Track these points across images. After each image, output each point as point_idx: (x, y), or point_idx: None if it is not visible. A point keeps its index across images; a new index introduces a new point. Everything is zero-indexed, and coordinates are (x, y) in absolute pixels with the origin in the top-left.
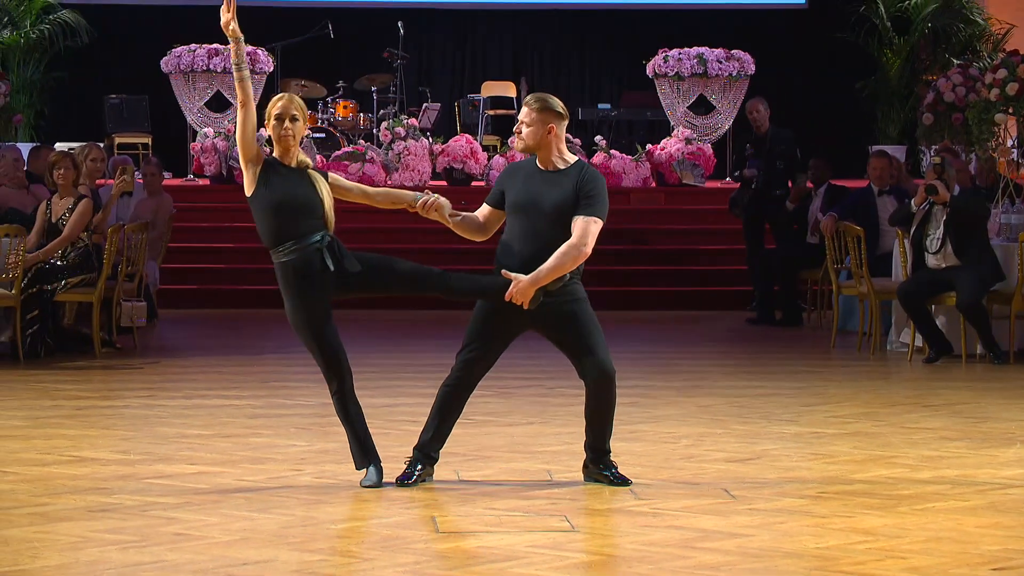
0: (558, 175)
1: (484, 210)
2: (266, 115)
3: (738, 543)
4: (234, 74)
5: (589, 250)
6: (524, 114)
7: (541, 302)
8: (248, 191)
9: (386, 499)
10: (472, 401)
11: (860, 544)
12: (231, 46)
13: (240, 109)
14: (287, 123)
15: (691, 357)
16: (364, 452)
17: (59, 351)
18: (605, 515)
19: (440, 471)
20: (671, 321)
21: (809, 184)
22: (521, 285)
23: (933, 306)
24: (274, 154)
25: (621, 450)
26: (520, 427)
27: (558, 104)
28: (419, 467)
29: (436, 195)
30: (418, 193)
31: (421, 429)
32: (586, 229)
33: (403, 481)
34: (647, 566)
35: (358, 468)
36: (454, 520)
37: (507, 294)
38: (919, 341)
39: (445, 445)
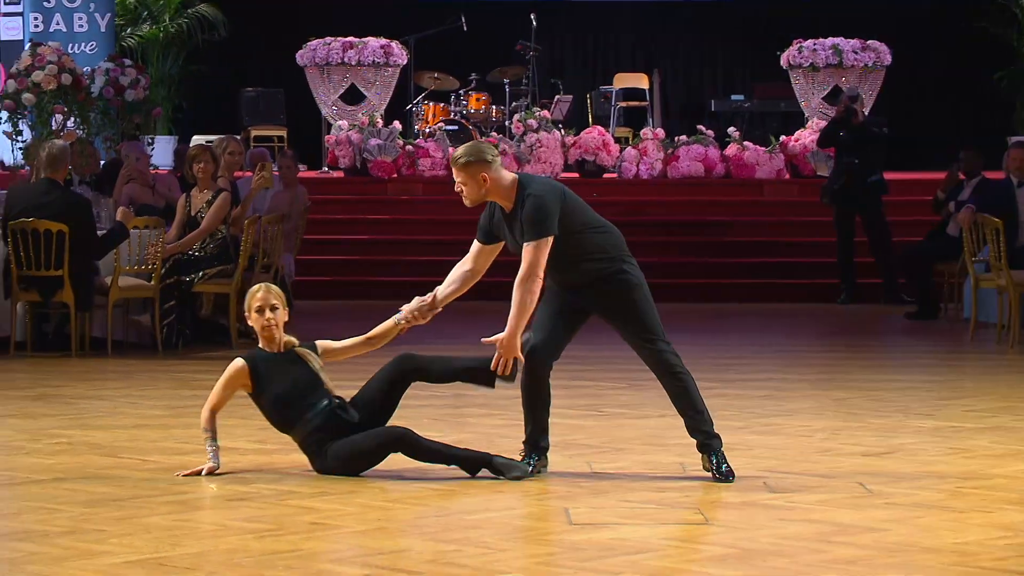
0: (515, 211)
1: (474, 249)
2: (246, 308)
3: (874, 537)
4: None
5: (539, 276)
6: (455, 175)
7: (598, 289)
8: (248, 392)
9: (520, 491)
10: (605, 393)
11: (1000, 540)
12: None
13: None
14: (268, 313)
15: (826, 350)
16: (477, 462)
17: (197, 342)
18: (739, 508)
19: (573, 463)
20: (805, 313)
21: (961, 175)
22: (505, 343)
23: None
24: (260, 345)
25: (756, 443)
26: (653, 419)
27: (481, 151)
28: (534, 458)
29: (407, 306)
30: (396, 316)
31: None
32: (529, 259)
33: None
34: (782, 559)
35: (498, 472)
36: (587, 512)
37: (494, 361)
38: None
39: (577, 437)
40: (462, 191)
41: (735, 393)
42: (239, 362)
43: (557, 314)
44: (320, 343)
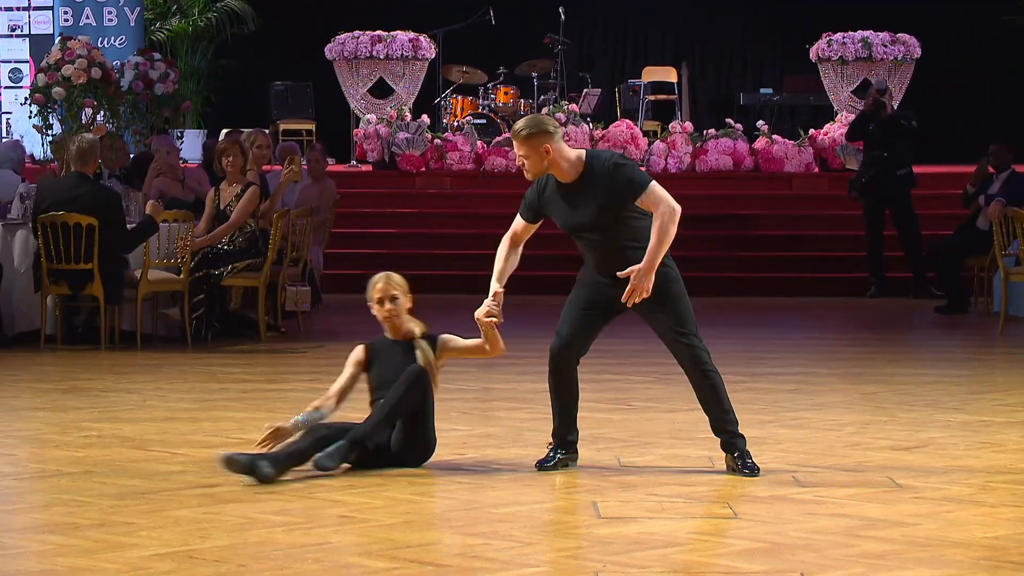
0: (580, 184)
1: (517, 226)
2: (368, 298)
3: (904, 532)
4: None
5: (675, 208)
6: (517, 148)
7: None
8: (363, 370)
9: (548, 484)
10: (633, 387)
11: None
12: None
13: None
14: (388, 304)
15: (855, 344)
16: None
17: (225, 335)
18: (768, 502)
19: (601, 456)
20: (834, 307)
21: (991, 169)
22: (643, 273)
23: None
24: (385, 333)
25: (784, 437)
26: (681, 413)
27: (542, 123)
28: (560, 452)
29: (478, 311)
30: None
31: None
32: (656, 199)
33: (542, 465)
34: (811, 554)
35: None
36: (616, 505)
37: (626, 293)
38: None
39: (605, 431)
40: (523, 164)
41: (764, 387)
42: (360, 346)
43: (587, 308)
44: (443, 336)
